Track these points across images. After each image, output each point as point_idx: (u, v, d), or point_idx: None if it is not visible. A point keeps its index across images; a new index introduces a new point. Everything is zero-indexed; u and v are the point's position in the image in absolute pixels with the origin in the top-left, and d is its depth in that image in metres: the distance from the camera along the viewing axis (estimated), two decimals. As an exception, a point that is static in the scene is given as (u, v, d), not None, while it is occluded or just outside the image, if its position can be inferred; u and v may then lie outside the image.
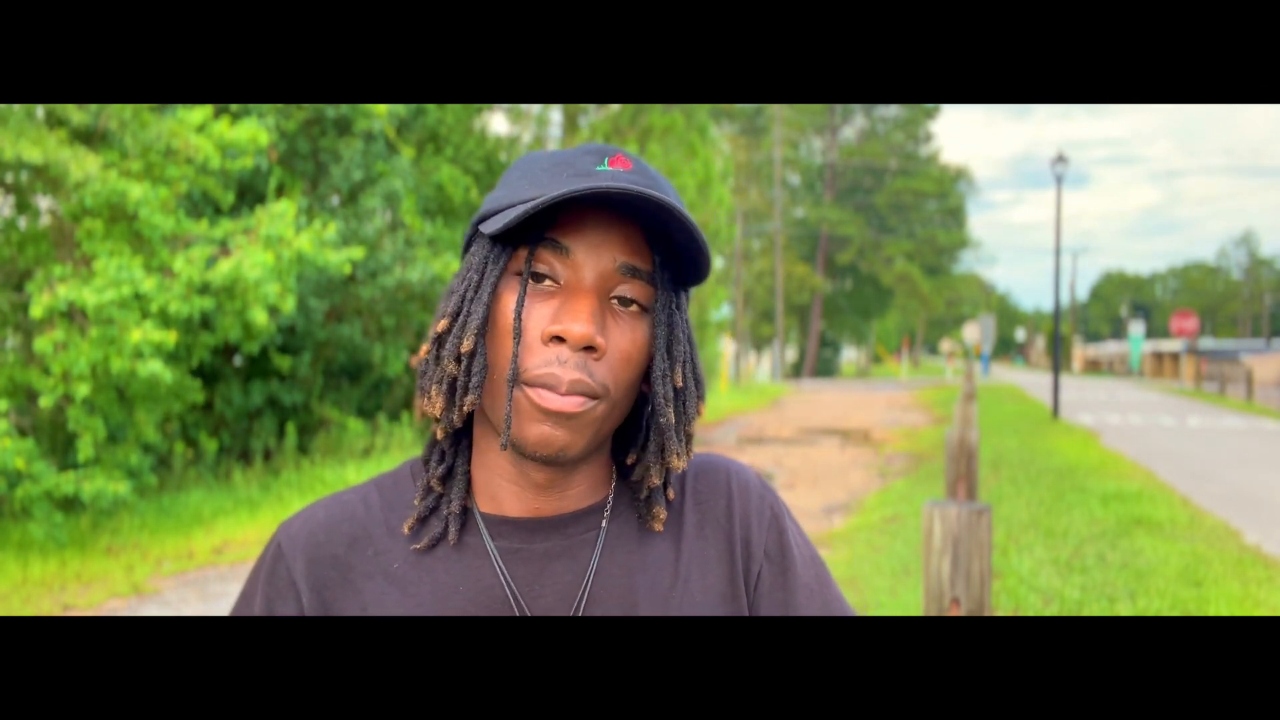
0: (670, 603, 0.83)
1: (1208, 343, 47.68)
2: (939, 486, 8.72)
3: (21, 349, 7.00)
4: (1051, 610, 4.96)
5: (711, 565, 0.85)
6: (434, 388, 0.80)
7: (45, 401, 6.22)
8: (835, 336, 51.20)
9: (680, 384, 0.82)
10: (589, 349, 0.76)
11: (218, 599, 5.41)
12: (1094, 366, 62.25)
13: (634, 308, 0.80)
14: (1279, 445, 13.37)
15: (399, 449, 10.28)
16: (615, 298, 0.79)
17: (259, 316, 6.64)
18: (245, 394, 9.50)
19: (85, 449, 6.24)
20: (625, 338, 0.79)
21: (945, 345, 48.00)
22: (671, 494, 0.87)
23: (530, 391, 0.76)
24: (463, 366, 0.79)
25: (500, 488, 0.83)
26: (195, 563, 6.19)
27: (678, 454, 0.82)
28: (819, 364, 46.31)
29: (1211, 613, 4.90)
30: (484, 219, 0.82)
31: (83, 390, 6.09)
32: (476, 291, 0.80)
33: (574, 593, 0.81)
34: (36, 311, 6.03)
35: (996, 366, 67.36)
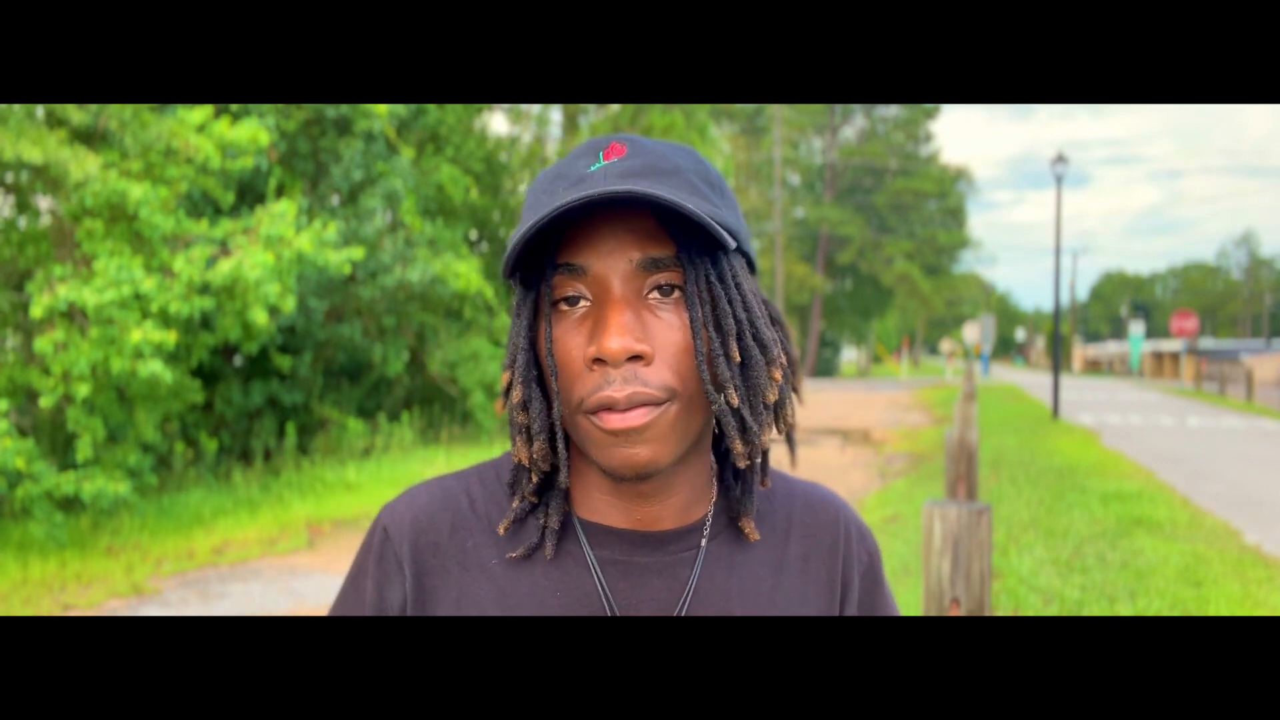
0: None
1: (1208, 343, 47.71)
2: (939, 486, 8.72)
3: (21, 349, 7.00)
4: (1051, 610, 4.96)
5: (810, 599, 0.85)
6: (518, 439, 0.80)
7: (45, 401, 6.22)
8: (835, 336, 51.14)
9: (739, 357, 0.76)
10: (635, 358, 0.73)
11: (218, 599, 5.41)
12: (1094, 366, 62.22)
13: (677, 294, 0.75)
14: (1279, 445, 13.36)
15: (399, 449, 10.28)
16: (655, 290, 0.75)
17: (259, 316, 6.65)
18: (245, 394, 9.51)
19: (85, 449, 6.24)
20: (674, 330, 0.75)
21: (945, 345, 47.89)
22: (766, 483, 0.85)
23: (595, 419, 0.74)
24: (527, 414, 0.79)
25: (599, 500, 0.82)
26: (195, 563, 6.19)
27: (740, 436, 0.77)
28: (819, 364, 46.28)
29: (1211, 613, 4.90)
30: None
31: (83, 390, 6.09)
32: (519, 338, 0.79)
33: (670, 611, 0.80)
34: (36, 311, 6.03)
35: (996, 366, 67.33)
